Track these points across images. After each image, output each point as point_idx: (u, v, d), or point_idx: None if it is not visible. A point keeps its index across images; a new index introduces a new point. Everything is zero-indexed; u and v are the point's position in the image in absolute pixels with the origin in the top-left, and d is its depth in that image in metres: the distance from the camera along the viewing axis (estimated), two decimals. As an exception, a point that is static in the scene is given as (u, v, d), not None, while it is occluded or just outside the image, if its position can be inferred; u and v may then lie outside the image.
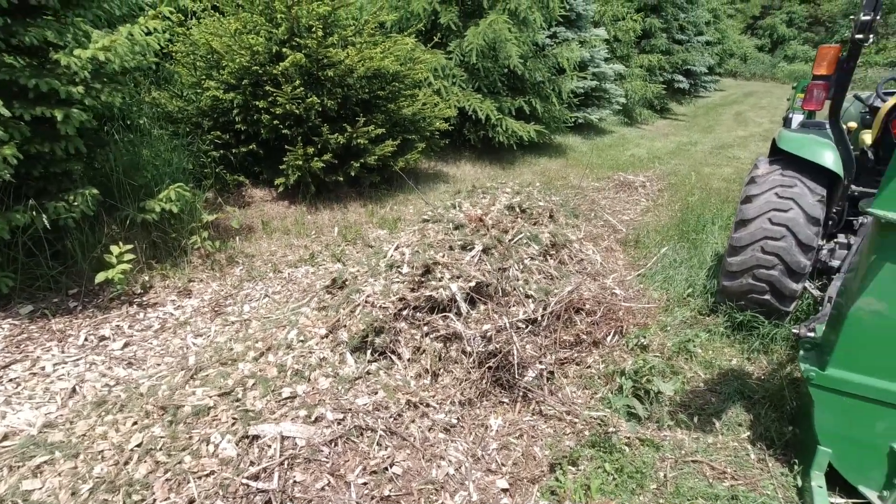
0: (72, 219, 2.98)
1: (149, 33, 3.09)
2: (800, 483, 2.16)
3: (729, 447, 2.40)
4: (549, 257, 2.99)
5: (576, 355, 2.73)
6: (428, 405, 2.37)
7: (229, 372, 2.34)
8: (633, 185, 6.61)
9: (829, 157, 2.92)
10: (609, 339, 2.89)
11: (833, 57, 2.84)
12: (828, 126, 3.03)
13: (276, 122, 4.43)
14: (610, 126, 11.58)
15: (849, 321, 1.92)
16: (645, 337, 2.98)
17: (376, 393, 2.32)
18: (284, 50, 4.35)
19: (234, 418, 2.07)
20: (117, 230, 3.40)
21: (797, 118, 3.48)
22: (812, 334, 2.31)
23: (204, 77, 4.53)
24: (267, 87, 4.28)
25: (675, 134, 11.76)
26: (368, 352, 2.51)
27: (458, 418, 2.36)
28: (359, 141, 4.64)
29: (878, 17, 2.53)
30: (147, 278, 3.39)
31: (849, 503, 2.07)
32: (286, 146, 4.51)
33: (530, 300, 2.65)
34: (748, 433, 2.48)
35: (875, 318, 1.87)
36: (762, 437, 2.43)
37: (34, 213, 2.82)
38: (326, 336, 2.55)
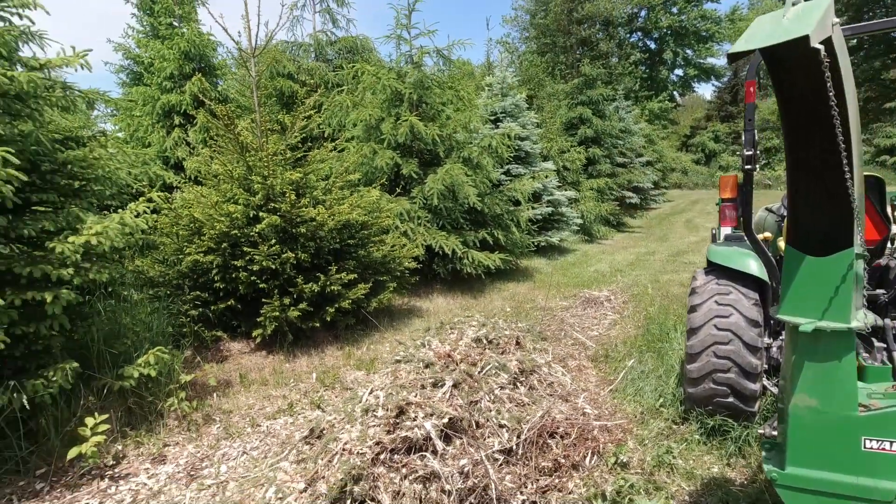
0: (48, 394, 3.01)
1: (137, 215, 3.44)
2: None
3: (722, 565, 2.36)
4: (518, 384, 3.12)
5: (556, 481, 2.73)
6: (412, 555, 2.31)
7: (205, 542, 2.28)
8: (599, 301, 6.93)
9: (753, 265, 3.28)
10: (588, 460, 2.92)
11: (733, 183, 3.36)
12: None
13: (253, 277, 4.71)
14: (572, 245, 12.33)
15: (791, 418, 2.06)
16: (623, 454, 3.01)
17: (358, 547, 2.27)
18: (261, 214, 4.79)
19: None
20: (94, 400, 3.42)
21: (724, 231, 3.89)
22: (775, 433, 2.41)
23: (185, 243, 4.88)
24: (244, 248, 4.63)
25: (633, 246, 12.54)
26: (348, 502, 2.48)
27: (443, 566, 2.30)
28: (332, 287, 4.91)
29: (757, 152, 3.07)
30: (120, 447, 3.33)
31: None
32: (263, 299, 4.74)
33: (504, 429, 2.73)
34: (739, 546, 2.45)
35: (812, 414, 2.01)
36: (752, 548, 2.41)
37: (14, 393, 2.85)
38: (305, 490, 2.53)
